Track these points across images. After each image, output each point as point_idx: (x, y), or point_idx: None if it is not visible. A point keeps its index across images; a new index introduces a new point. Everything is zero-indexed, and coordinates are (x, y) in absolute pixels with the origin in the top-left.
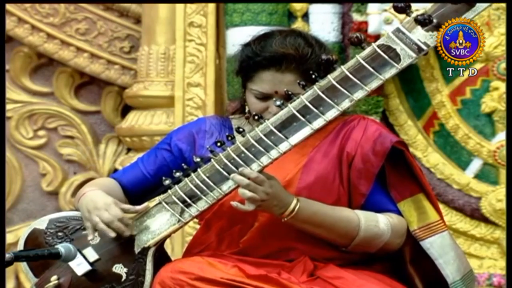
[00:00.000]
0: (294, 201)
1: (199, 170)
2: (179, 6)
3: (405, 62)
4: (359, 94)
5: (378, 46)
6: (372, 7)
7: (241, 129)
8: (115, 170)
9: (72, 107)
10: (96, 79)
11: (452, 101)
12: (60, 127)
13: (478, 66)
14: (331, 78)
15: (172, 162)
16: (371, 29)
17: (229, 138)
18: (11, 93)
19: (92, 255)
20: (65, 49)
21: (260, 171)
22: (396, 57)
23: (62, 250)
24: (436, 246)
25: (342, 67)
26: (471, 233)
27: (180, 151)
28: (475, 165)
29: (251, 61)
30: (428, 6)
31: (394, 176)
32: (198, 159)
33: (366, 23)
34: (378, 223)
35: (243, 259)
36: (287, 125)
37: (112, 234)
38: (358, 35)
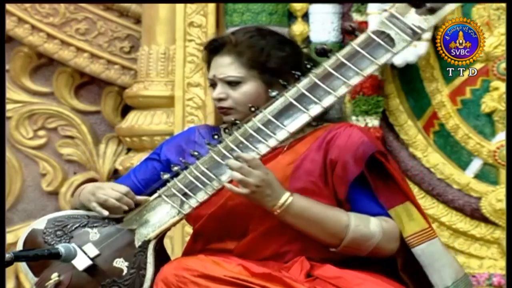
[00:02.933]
0: (287, 194)
1: (197, 162)
2: (179, 6)
3: (400, 47)
4: (355, 80)
5: (372, 32)
6: (372, 7)
7: (237, 121)
8: (115, 170)
9: (72, 107)
10: (96, 79)
11: (452, 101)
12: (60, 127)
13: (478, 66)
14: (326, 65)
15: (162, 171)
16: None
17: (226, 131)
18: (11, 93)
19: (92, 250)
20: (65, 49)
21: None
22: (391, 41)
23: (62, 250)
24: (426, 253)
25: (337, 54)
26: (471, 233)
27: (168, 161)
28: (475, 165)
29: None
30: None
31: (381, 184)
32: (196, 153)
33: (366, 23)
34: (369, 225)
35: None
36: (284, 114)
37: (125, 207)
38: (352, 24)
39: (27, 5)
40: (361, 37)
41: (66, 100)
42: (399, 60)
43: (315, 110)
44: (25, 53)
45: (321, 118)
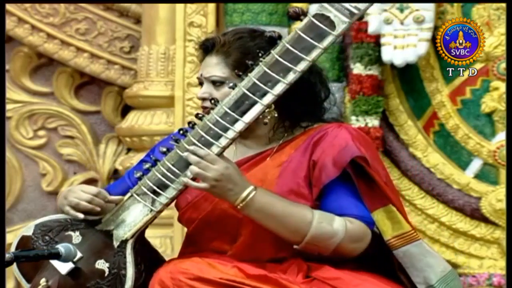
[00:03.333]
0: (250, 188)
1: (164, 158)
2: (179, 6)
3: (340, 29)
4: (301, 66)
5: (313, 16)
6: (372, 7)
7: (200, 115)
8: (115, 170)
9: (72, 107)
10: (96, 79)
11: (452, 101)
12: (60, 127)
13: (478, 66)
14: (274, 53)
15: None
16: (371, 29)
17: (190, 124)
18: (11, 93)
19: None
20: (65, 49)
21: (220, 153)
22: (331, 24)
23: (62, 250)
24: (408, 254)
25: (283, 40)
26: (471, 233)
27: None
28: (475, 165)
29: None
30: (426, 5)
31: (364, 187)
32: (164, 149)
33: (366, 23)
34: (333, 223)
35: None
36: (240, 105)
37: (97, 209)
38: (296, 9)
39: (27, 5)
40: (304, 22)
41: (66, 100)
42: (399, 60)
43: (267, 98)
44: (25, 53)
45: (312, 119)
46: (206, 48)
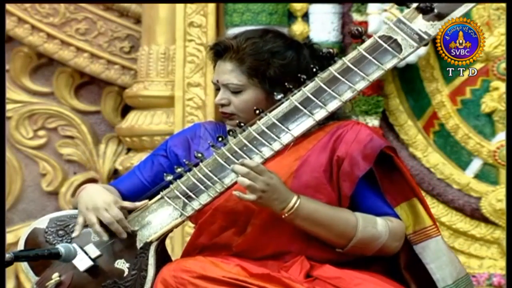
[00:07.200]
0: (295, 197)
1: (201, 164)
2: (179, 6)
3: (406, 52)
4: (360, 85)
5: (379, 37)
6: (372, 7)
7: (242, 124)
8: (115, 170)
9: (72, 107)
10: (96, 79)
11: (452, 101)
12: (60, 127)
13: (478, 66)
14: (332, 69)
15: (169, 168)
16: (371, 29)
17: (231, 133)
18: (11, 93)
19: (93, 251)
20: (65, 49)
21: (263, 164)
22: (398, 47)
23: (62, 250)
24: (428, 250)
25: (343, 58)
26: (471, 233)
27: (176, 157)
28: (475, 165)
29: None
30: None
31: (387, 182)
32: (200, 154)
33: (366, 23)
34: (376, 225)
35: (245, 259)
36: (289, 117)
37: (105, 238)
38: (359, 28)
39: (27, 5)
40: (368, 42)
41: (66, 100)
42: None
43: (320, 114)
44: (25, 53)
45: (328, 117)
46: (218, 52)
